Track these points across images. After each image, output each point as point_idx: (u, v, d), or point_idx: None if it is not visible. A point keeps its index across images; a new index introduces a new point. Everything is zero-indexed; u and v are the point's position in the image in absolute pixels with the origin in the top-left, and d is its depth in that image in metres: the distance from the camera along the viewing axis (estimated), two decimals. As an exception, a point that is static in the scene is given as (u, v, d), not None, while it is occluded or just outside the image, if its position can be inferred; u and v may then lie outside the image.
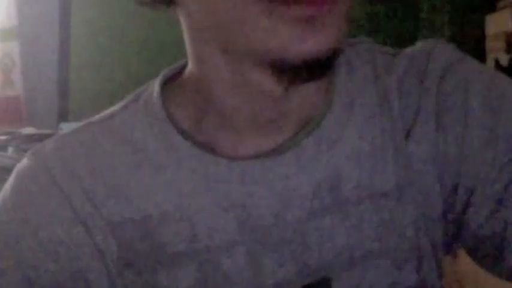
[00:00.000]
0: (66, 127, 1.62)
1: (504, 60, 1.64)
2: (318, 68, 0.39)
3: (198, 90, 0.48)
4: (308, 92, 0.47)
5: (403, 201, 0.48)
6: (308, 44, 0.38)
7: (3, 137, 1.59)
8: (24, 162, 0.50)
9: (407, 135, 0.49)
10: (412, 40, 0.54)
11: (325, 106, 0.49)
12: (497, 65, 1.65)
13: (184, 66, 0.51)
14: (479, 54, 1.70)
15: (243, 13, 0.38)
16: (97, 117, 0.53)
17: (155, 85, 0.51)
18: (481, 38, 1.75)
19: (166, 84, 0.52)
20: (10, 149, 1.52)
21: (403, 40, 1.93)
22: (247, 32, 0.39)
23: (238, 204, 0.47)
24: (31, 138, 1.55)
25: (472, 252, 0.50)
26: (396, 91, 0.49)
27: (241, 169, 0.47)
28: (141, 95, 0.52)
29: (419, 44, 0.52)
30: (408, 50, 0.52)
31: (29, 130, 1.72)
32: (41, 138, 1.52)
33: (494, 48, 1.70)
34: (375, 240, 0.48)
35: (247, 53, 0.40)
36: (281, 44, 0.38)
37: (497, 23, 1.70)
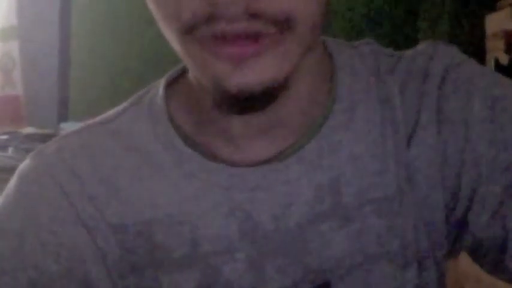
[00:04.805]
0: (66, 127, 1.62)
1: (504, 59, 1.64)
2: (254, 101, 0.41)
3: (196, 96, 0.48)
4: (306, 97, 0.48)
5: (405, 206, 0.48)
6: (237, 79, 0.39)
7: (3, 137, 1.59)
8: (27, 163, 0.50)
9: (409, 138, 0.48)
10: (412, 40, 0.54)
11: (327, 109, 0.49)
12: (497, 64, 1.65)
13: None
14: (479, 54, 1.70)
15: (182, 43, 0.40)
16: (99, 118, 0.53)
17: (159, 88, 0.51)
18: (481, 38, 1.75)
19: (170, 86, 0.52)
20: (10, 149, 1.53)
21: (403, 40, 1.93)
22: (188, 60, 0.42)
23: (239, 209, 0.47)
24: (31, 138, 1.55)
25: (473, 254, 0.50)
26: (398, 95, 0.49)
27: (242, 175, 0.47)
28: (144, 97, 0.52)
29: (421, 46, 0.52)
30: (410, 51, 0.52)
31: (29, 130, 1.72)
32: (41, 138, 1.52)
33: (494, 48, 1.69)
34: (376, 245, 0.48)
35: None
36: (213, 77, 0.40)
37: (497, 23, 1.70)
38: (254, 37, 0.38)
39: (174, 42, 0.42)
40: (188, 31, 0.39)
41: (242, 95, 0.40)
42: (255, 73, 0.39)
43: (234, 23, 0.37)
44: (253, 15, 0.37)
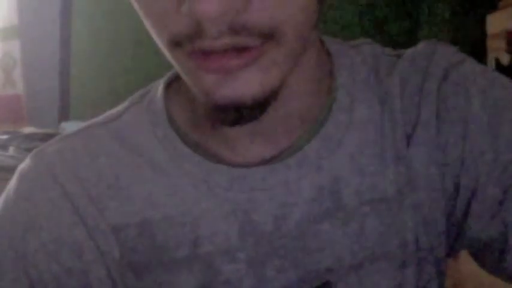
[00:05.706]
0: (67, 126, 1.62)
1: (505, 59, 1.63)
2: (244, 111, 0.41)
3: (193, 98, 0.48)
4: (305, 98, 0.47)
5: (404, 206, 0.48)
6: (225, 91, 0.39)
7: (4, 136, 1.60)
8: (27, 163, 0.50)
9: (409, 138, 0.48)
10: (412, 39, 0.54)
11: (326, 109, 0.49)
12: (498, 64, 1.65)
13: None
14: (480, 54, 1.70)
15: (171, 54, 0.41)
16: (100, 118, 0.53)
17: (159, 87, 0.51)
18: (481, 37, 1.75)
19: (170, 85, 0.52)
20: (11, 149, 1.53)
21: (403, 39, 1.93)
22: (178, 69, 0.42)
23: (240, 210, 0.47)
24: (32, 138, 1.55)
25: (473, 254, 0.50)
26: (398, 94, 0.49)
27: (242, 176, 0.47)
28: (145, 97, 0.52)
29: (421, 45, 0.52)
30: (410, 51, 0.52)
31: (29, 129, 1.73)
32: (41, 137, 1.52)
33: (495, 48, 1.69)
34: (376, 245, 0.48)
35: None
36: (202, 88, 0.40)
37: (498, 22, 1.70)
38: (239, 50, 0.38)
39: (164, 51, 0.42)
40: (176, 45, 0.39)
41: (230, 107, 0.40)
42: (242, 85, 0.39)
43: (219, 39, 0.37)
44: (237, 30, 0.37)
